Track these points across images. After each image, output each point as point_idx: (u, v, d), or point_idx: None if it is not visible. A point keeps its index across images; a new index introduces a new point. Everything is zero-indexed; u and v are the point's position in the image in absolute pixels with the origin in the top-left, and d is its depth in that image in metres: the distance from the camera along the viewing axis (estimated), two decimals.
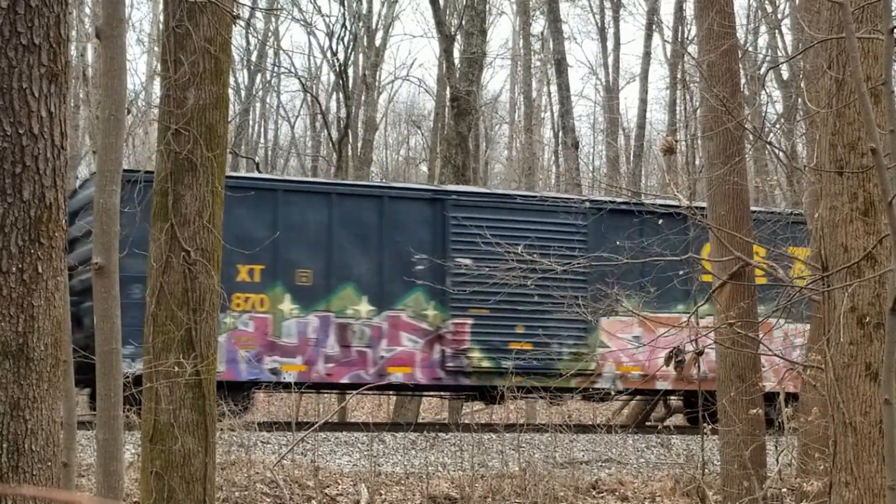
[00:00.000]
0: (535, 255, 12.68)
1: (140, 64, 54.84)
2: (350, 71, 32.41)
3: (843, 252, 6.94)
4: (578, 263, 13.14)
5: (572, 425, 16.39)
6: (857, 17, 6.81)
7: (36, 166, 3.82)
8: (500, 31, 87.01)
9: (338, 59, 31.70)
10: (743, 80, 16.06)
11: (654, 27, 35.10)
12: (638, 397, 20.40)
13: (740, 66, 13.94)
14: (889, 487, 4.93)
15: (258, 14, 34.75)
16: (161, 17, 10.93)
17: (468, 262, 16.66)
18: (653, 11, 34.68)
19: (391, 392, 20.43)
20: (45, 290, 3.86)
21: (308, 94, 36.67)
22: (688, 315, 15.50)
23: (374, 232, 17.33)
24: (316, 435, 14.68)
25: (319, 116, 36.35)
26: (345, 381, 17.12)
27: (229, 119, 10.82)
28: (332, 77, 36.72)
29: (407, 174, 45.17)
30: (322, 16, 62.00)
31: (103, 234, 5.27)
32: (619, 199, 17.52)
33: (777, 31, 30.19)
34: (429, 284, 17.16)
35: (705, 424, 12.85)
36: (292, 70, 38.31)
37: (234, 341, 16.42)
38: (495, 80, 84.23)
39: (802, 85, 13.13)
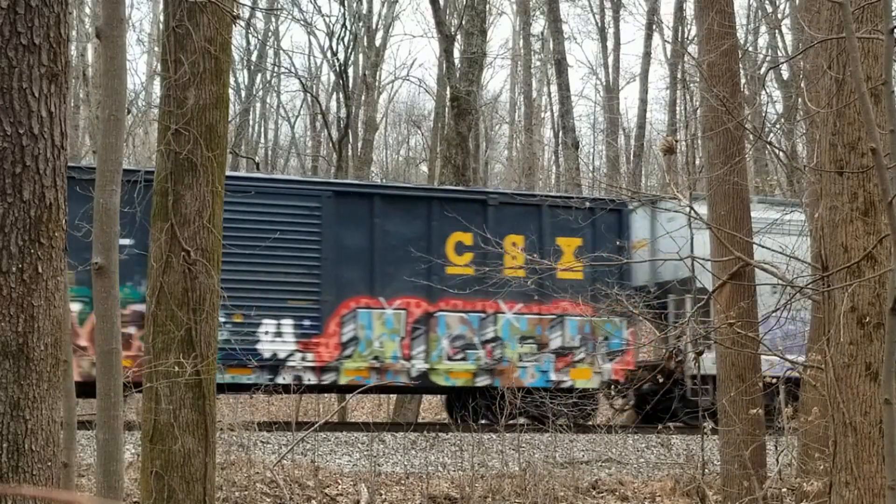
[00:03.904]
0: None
1: (140, 64, 54.90)
2: (350, 71, 32.44)
3: (843, 252, 6.94)
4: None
5: (572, 425, 16.40)
6: (857, 17, 6.81)
7: (36, 166, 3.82)
8: (500, 31, 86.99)
9: (338, 59, 31.71)
10: (743, 80, 16.06)
11: (654, 27, 35.12)
12: None
13: (740, 66, 13.93)
14: (889, 487, 4.93)
15: (258, 14, 34.77)
16: (161, 17, 10.94)
17: None
18: (653, 11, 34.69)
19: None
20: (45, 290, 3.86)
21: (308, 94, 36.69)
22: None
23: None
24: (316, 435, 14.69)
25: (319, 116, 36.36)
26: None
27: (229, 119, 10.82)
28: (332, 77, 36.76)
29: (407, 174, 45.18)
30: (322, 16, 62.03)
31: (103, 234, 5.27)
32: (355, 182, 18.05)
33: (777, 31, 30.20)
34: None
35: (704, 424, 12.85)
36: (292, 70, 38.34)
37: None
38: (495, 80, 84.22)
39: (802, 85, 13.13)
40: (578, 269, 17.47)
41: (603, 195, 23.66)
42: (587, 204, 18.36)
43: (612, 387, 18.33)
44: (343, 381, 16.91)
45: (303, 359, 16.94)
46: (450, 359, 17.60)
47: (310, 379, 16.91)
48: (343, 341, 17.19)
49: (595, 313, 17.79)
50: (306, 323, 17.01)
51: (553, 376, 17.84)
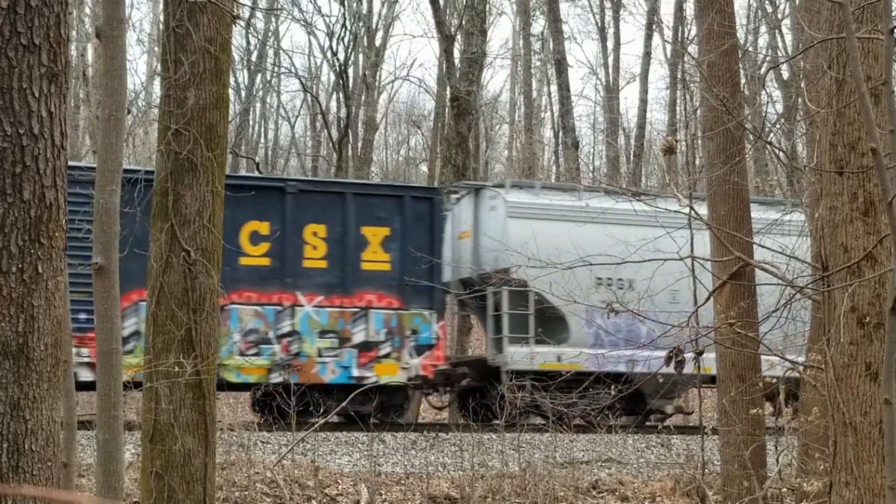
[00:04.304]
0: None
1: (140, 64, 54.93)
2: (350, 71, 32.46)
3: (843, 252, 6.93)
4: None
5: (572, 425, 16.39)
6: (857, 17, 6.81)
7: (36, 166, 3.82)
8: (500, 31, 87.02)
9: (338, 59, 31.73)
10: (743, 80, 16.06)
11: (654, 27, 35.13)
12: None
13: (740, 66, 13.93)
14: (889, 487, 4.93)
15: (258, 14, 34.78)
16: (161, 17, 10.94)
17: None
18: (653, 11, 34.70)
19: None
20: (45, 290, 3.86)
21: (308, 94, 36.70)
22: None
23: None
24: (316, 435, 14.68)
25: (319, 116, 36.38)
26: None
27: (229, 119, 10.82)
28: (332, 77, 36.76)
29: (407, 174, 45.18)
30: (322, 16, 62.00)
31: (103, 234, 5.27)
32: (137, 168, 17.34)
33: (777, 31, 30.22)
34: None
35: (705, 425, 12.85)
36: (292, 70, 38.35)
37: None
38: (495, 80, 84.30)
39: (802, 85, 13.12)
40: (385, 260, 17.17)
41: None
42: (408, 193, 17.99)
43: (425, 384, 17.93)
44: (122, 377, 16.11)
45: (77, 354, 15.78)
46: (242, 354, 16.82)
47: (86, 376, 15.55)
48: (124, 336, 16.52)
49: (403, 306, 17.39)
50: (82, 316, 15.69)
51: (356, 372, 17.17)
